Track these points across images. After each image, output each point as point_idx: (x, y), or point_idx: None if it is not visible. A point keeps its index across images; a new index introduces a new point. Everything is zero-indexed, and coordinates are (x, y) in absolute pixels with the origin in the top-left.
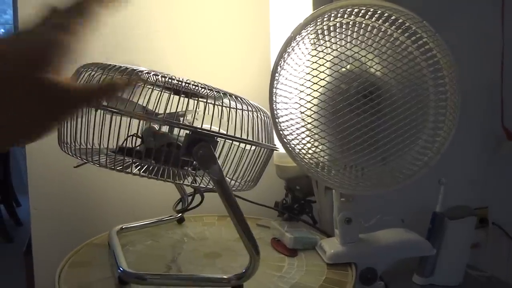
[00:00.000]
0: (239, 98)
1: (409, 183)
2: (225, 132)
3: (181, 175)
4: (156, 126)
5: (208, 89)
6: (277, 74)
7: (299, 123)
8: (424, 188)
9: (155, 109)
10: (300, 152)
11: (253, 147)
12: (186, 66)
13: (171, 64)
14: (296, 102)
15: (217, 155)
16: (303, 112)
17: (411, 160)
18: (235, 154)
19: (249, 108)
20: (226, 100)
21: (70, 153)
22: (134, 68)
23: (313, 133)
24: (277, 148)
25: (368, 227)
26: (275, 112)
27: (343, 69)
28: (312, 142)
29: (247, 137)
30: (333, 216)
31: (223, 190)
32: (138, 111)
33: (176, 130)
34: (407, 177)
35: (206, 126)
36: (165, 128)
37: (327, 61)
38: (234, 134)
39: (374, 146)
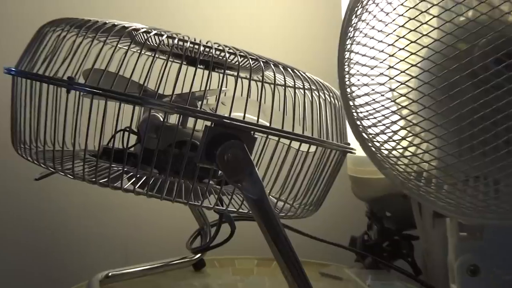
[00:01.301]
0: (290, 70)
1: None
2: (268, 124)
3: (199, 192)
4: (160, 116)
5: (241, 56)
6: (351, 29)
7: (388, 108)
8: None
9: (158, 89)
10: (391, 155)
11: (314, 149)
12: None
13: (212, 33)
14: (384, 74)
15: (255, 161)
16: (394, 90)
17: None
18: (284, 160)
19: (308, 85)
20: (269, 73)
21: (29, 158)
22: (126, 25)
23: (412, 123)
24: (353, 149)
25: (507, 281)
26: (348, 91)
27: (462, 18)
28: (410, 139)
29: (304, 132)
30: (447, 261)
31: (264, 216)
32: (132, 92)
33: (191, 122)
34: None
35: (237, 114)
36: (173, 119)
37: (434, 5)
38: (282, 127)
39: None
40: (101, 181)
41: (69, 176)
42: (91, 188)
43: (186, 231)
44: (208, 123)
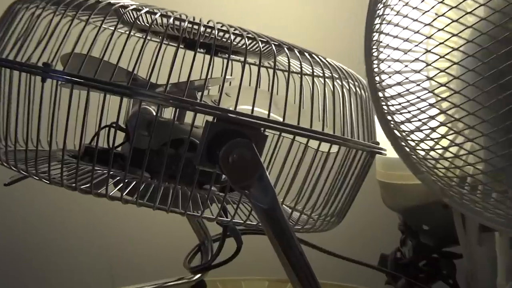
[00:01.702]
0: (307, 55)
1: None
2: (281, 120)
3: (198, 200)
4: (153, 109)
5: (249, 37)
6: (380, 5)
7: (425, 100)
8: None
9: (150, 77)
10: (429, 157)
11: (337, 149)
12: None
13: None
14: (420, 60)
15: (265, 164)
16: (432, 78)
17: None
18: (301, 162)
19: (329, 73)
20: (283, 59)
21: None
22: (112, 1)
23: (454, 119)
24: (382, 149)
25: None
26: (377, 79)
27: None
28: (452, 137)
29: (324, 129)
30: (496, 284)
31: (277, 230)
32: (119, 81)
33: (189, 116)
34: None
35: (244, 108)
36: (169, 113)
37: None
38: (298, 123)
39: None
40: (82, 187)
41: (44, 181)
42: (71, 199)
43: (184, 247)
44: (210, 118)
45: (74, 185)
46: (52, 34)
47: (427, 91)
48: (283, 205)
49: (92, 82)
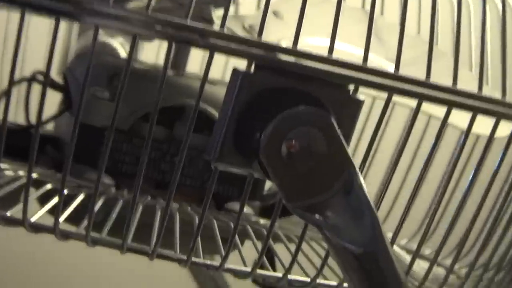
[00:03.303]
0: None
1: None
2: (391, 70)
3: (216, 237)
4: (120, 47)
5: None
6: None
7: None
8: None
9: None
10: None
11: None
12: None
13: None
14: None
15: (357, 159)
16: None
17: None
18: (430, 158)
19: None
20: None
21: None
22: None
23: None
24: None
25: None
26: None
27: None
28: None
29: (483, 91)
30: None
31: None
32: None
33: (197, 62)
34: None
35: (312, 43)
36: (154, 53)
37: None
38: (429, 77)
39: None
40: None
41: None
42: None
43: None
44: (243, 64)
45: None
46: None
47: None
48: (396, 247)
49: None
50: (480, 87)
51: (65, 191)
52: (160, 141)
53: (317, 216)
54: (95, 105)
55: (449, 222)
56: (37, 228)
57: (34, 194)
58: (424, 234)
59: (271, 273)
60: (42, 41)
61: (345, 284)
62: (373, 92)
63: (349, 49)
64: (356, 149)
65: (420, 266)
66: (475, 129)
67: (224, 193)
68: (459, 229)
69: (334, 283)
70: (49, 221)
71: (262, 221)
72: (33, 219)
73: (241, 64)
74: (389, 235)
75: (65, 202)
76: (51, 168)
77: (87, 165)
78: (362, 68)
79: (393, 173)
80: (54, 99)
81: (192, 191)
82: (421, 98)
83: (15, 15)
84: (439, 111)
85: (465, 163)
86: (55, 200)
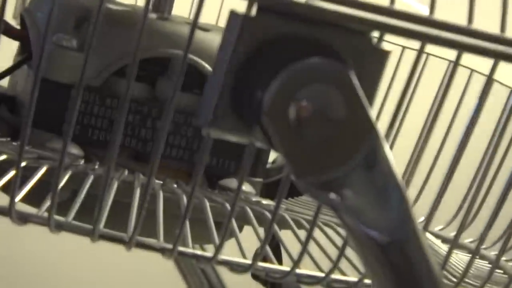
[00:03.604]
0: None
1: None
2: (425, 11)
3: (209, 219)
4: None
5: None
6: None
7: None
8: None
9: None
10: None
11: None
12: None
13: None
14: None
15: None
16: None
17: None
18: (471, 127)
19: None
20: None
21: None
22: None
23: None
24: None
25: None
26: None
27: None
28: None
29: None
30: None
31: None
32: None
33: (186, 3)
34: None
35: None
36: None
37: None
38: (471, 23)
39: None
40: None
41: None
42: None
43: None
44: (244, 5)
45: None
46: None
47: None
48: (428, 235)
49: None
50: None
51: (23, 163)
52: (139, 101)
53: (333, 195)
54: (59, 56)
55: (495, 205)
56: None
57: None
58: (464, 219)
59: (276, 266)
60: None
61: (367, 281)
62: (400, 40)
63: None
64: (380, 112)
65: (459, 257)
66: None
67: (218, 167)
68: (506, 213)
69: (353, 279)
70: (4, 201)
71: (265, 201)
72: None
73: (241, 5)
74: (420, 220)
75: (23, 177)
76: (6, 135)
77: (50, 132)
78: (389, 11)
79: (427, 142)
80: (9, 48)
81: (179, 165)
82: (463, 48)
83: None
84: (481, 65)
85: None
86: (10, 174)
